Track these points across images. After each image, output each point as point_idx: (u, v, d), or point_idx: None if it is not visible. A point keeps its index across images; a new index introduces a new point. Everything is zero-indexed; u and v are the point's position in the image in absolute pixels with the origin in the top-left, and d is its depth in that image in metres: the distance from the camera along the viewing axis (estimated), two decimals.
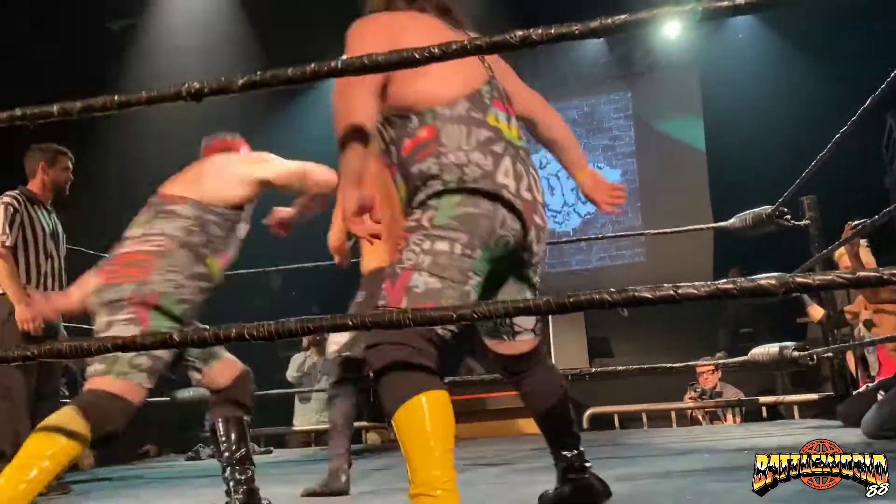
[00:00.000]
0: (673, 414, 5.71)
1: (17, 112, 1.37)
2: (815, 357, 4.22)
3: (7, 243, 3.36)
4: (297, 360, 6.19)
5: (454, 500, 1.46)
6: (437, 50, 1.31)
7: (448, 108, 1.66)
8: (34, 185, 3.59)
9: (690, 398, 5.77)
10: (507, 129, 1.72)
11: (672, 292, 1.12)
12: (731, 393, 5.72)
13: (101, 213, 6.94)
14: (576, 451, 1.90)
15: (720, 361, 5.46)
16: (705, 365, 5.57)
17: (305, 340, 5.99)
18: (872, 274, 1.12)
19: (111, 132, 6.94)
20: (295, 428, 6.00)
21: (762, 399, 5.48)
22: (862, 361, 4.45)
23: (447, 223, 1.61)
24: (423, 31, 1.71)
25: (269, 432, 5.74)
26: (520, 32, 1.23)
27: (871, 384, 4.01)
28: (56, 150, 3.63)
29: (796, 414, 5.28)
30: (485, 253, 1.63)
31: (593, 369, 5.53)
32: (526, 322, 1.84)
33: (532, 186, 1.71)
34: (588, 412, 5.71)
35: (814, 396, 4.99)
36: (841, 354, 4.40)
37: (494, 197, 1.63)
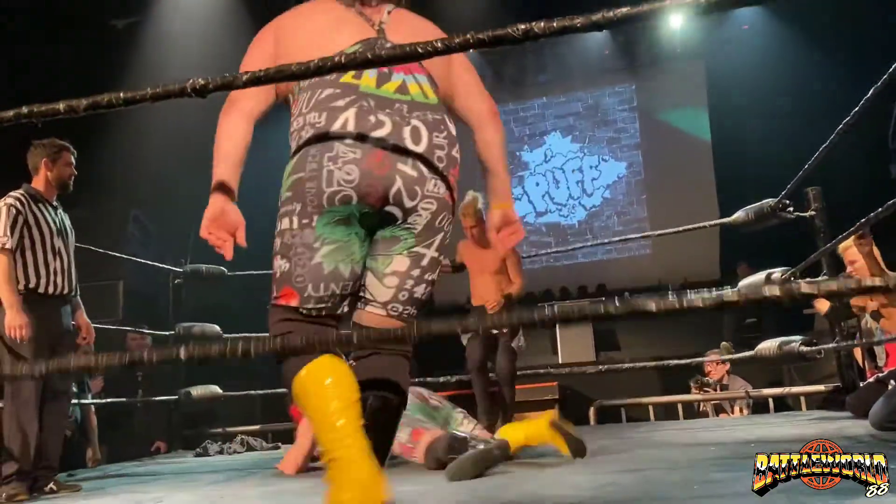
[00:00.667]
0: (679, 407, 5.70)
1: (24, 110, 1.36)
2: (821, 350, 4.21)
3: (7, 245, 3.28)
4: None
5: (359, 457, 1.41)
6: (440, 45, 1.31)
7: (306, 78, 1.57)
8: (38, 182, 3.52)
9: (695, 390, 5.76)
10: (373, 82, 1.57)
11: (676, 304, 1.12)
12: (739, 385, 5.71)
13: (104, 212, 6.98)
14: None
15: (727, 357, 5.45)
16: (712, 359, 5.56)
17: None
18: (878, 283, 1.12)
19: (115, 129, 6.96)
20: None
21: (769, 391, 5.47)
22: (869, 353, 4.43)
23: (285, 197, 1.58)
24: (316, 17, 1.66)
25: (276, 429, 5.76)
26: (522, 26, 1.23)
27: (880, 374, 4.00)
28: (58, 146, 3.55)
29: (804, 405, 5.28)
30: (325, 217, 1.54)
31: (600, 367, 5.53)
32: (379, 294, 1.64)
33: (402, 135, 1.54)
34: (594, 405, 5.72)
35: (821, 388, 4.98)
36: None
37: (322, 154, 1.53)
